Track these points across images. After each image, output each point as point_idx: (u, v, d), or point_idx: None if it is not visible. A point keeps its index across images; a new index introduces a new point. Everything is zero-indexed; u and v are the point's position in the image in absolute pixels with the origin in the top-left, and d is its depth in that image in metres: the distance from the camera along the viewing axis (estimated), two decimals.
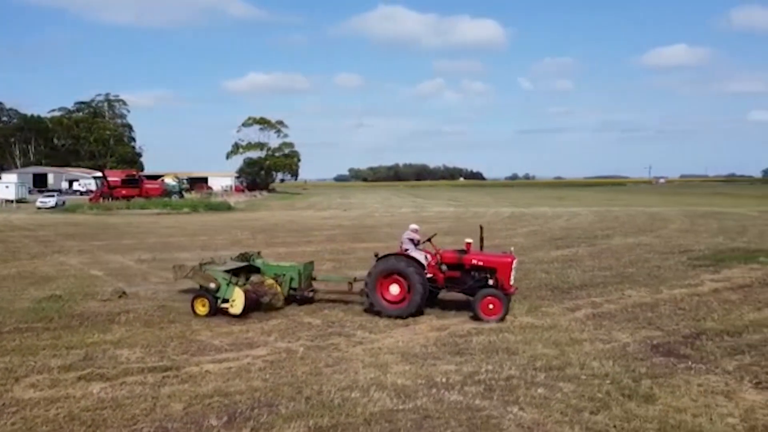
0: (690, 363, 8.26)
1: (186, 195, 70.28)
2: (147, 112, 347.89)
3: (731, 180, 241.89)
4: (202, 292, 11.17)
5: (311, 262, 13.21)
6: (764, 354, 8.60)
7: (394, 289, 11.05)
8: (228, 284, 10.90)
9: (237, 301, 10.76)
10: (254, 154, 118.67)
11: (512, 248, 12.16)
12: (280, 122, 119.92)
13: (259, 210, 52.83)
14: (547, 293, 13.28)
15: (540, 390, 7.23)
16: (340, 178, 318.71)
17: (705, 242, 22.78)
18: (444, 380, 7.62)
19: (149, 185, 63.48)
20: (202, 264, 12.16)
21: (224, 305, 10.87)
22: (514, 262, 11.45)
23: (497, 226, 32.16)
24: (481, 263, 11.35)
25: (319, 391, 7.29)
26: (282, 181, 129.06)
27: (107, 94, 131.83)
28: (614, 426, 6.24)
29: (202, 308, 11.02)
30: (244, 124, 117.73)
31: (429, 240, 12.01)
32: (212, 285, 10.98)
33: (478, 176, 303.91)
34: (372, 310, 11.17)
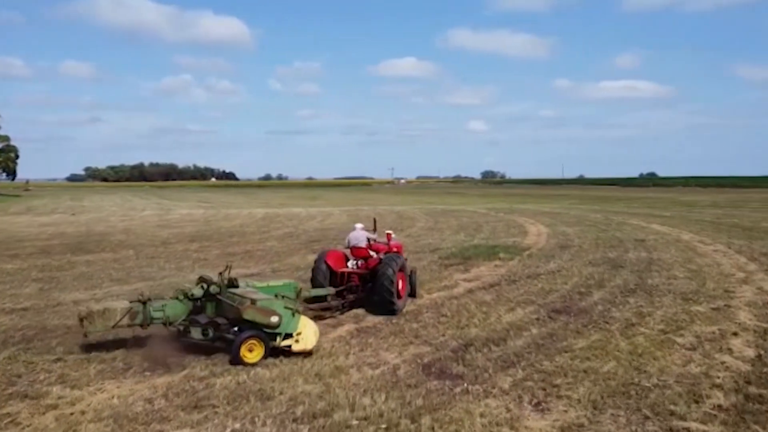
0: (466, 384, 7.36)
1: None
2: None
3: (458, 181, 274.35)
4: (255, 332, 8.24)
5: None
6: (533, 364, 8.13)
7: (399, 285, 11.13)
8: (293, 314, 8.54)
9: (306, 334, 8.51)
10: None
11: (389, 230, 13.33)
12: None
13: None
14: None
15: None
16: (74, 178, 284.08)
17: (450, 240, 23.74)
18: None
19: None
20: (144, 301, 8.68)
21: (285, 342, 8.39)
22: None
23: (250, 228, 30.10)
24: (396, 249, 12.41)
25: None
26: None
27: None
28: None
29: (250, 354, 8.18)
30: None
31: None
32: (274, 319, 8.33)
33: (230, 176, 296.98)
34: (384, 310, 10.88)
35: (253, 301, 8.44)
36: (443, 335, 9.66)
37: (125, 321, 8.48)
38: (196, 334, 8.60)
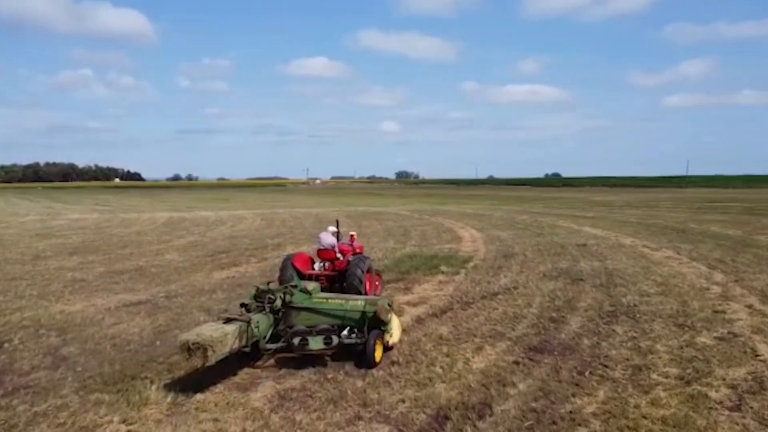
0: None
1: None
2: None
3: (374, 181, 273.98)
4: (379, 332, 8.28)
5: None
6: None
7: (367, 286, 11.51)
8: (391, 309, 8.62)
9: (394, 327, 8.68)
10: None
11: (353, 232, 13.88)
12: None
13: None
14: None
15: None
16: None
17: (379, 248, 21.09)
18: None
19: None
20: (248, 320, 7.73)
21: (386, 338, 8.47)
22: None
23: (148, 236, 26.15)
24: (358, 250, 12.82)
25: None
26: None
27: None
28: None
29: (377, 354, 8.06)
30: None
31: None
32: (390, 316, 8.49)
33: (136, 177, 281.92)
34: None
35: (375, 302, 8.41)
36: (402, 399, 6.90)
37: (237, 344, 7.46)
38: (315, 344, 8.15)
